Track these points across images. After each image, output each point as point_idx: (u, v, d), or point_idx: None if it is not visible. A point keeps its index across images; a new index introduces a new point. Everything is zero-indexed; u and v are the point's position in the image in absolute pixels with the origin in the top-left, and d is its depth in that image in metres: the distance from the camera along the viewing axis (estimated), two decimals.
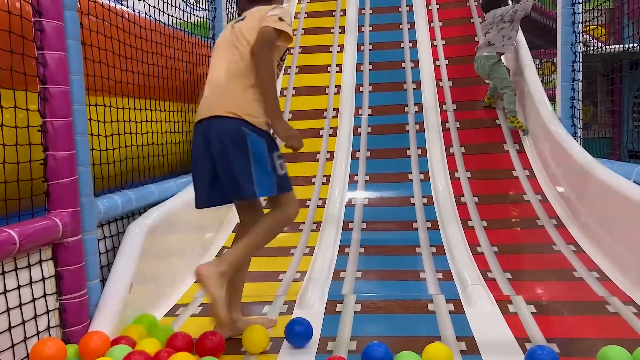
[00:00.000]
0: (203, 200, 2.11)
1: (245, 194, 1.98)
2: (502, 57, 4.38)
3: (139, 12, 3.04)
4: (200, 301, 2.58)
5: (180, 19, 3.56)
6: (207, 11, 3.73)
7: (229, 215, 3.59)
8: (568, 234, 3.05)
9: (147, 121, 2.93)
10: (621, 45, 6.74)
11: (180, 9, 3.46)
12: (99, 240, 2.27)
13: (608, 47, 6.74)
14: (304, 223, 3.48)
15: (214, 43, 3.78)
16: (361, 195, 3.78)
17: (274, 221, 2.07)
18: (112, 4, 2.74)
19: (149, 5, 3.04)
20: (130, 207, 2.52)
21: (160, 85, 3.20)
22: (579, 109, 3.59)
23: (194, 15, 3.57)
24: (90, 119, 2.28)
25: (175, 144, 3.31)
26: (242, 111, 1.96)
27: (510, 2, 4.43)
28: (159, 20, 3.23)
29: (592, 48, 6.56)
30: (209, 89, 2.09)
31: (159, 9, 3.23)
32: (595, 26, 7.79)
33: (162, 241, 2.64)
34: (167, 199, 2.85)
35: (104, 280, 2.25)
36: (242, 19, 2.14)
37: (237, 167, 1.94)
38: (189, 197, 2.99)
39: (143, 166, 2.87)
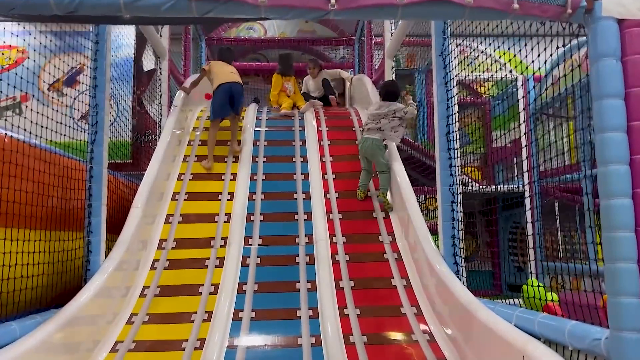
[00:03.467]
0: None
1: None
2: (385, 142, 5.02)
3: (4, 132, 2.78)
4: None
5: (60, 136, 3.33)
6: (87, 133, 3.52)
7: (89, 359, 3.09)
8: None
9: None
10: (494, 187, 7.43)
11: (54, 130, 3.24)
12: None
13: (483, 187, 7.39)
14: None
15: (91, 167, 3.56)
16: (245, 335, 3.46)
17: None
18: None
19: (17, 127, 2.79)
20: None
21: (23, 213, 2.86)
22: (460, 248, 3.71)
23: (69, 137, 3.35)
24: None
25: (28, 279, 2.87)
26: None
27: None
28: (26, 141, 2.97)
29: (469, 188, 7.13)
30: (231, 76, 5.49)
31: (27, 130, 2.99)
32: (472, 168, 8.57)
33: None
34: (4, 346, 2.38)
35: None
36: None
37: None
38: (35, 341, 2.57)
39: None
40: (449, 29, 3.65)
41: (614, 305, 1.82)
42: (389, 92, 5.05)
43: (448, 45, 3.63)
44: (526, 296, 4.20)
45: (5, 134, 2.74)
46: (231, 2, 1.84)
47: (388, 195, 4.81)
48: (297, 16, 1.91)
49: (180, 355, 3.22)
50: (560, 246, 7.08)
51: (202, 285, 3.93)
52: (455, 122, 3.86)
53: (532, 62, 3.31)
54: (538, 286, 4.21)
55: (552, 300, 4.01)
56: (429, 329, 3.46)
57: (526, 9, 2.10)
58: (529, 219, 6.07)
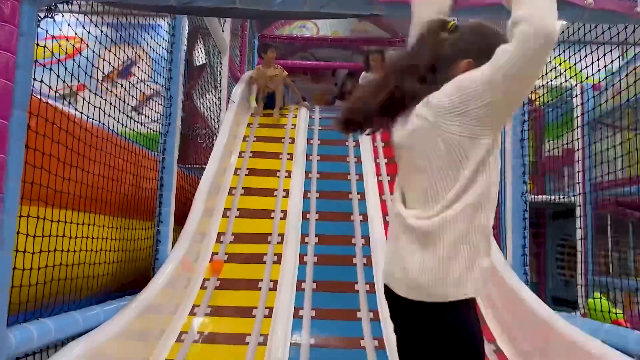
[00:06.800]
0: None
1: None
2: None
3: (87, 118, 2.84)
4: None
5: (131, 129, 3.39)
6: (160, 124, 3.57)
7: (158, 347, 3.13)
8: None
9: (80, 237, 2.57)
10: (544, 196, 7.25)
11: (132, 118, 3.29)
12: None
13: (533, 196, 7.22)
14: None
15: (163, 158, 3.60)
16: (307, 333, 3.45)
17: None
18: (63, 107, 2.53)
19: (103, 112, 2.84)
20: (49, 339, 2.09)
21: (101, 198, 2.90)
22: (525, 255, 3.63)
23: (145, 126, 3.40)
24: (18, 232, 1.93)
25: (108, 264, 2.92)
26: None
27: None
28: (109, 129, 3.03)
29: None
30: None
31: (111, 116, 3.05)
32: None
33: None
34: (92, 329, 2.42)
35: None
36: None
37: None
38: (117, 327, 2.61)
39: (69, 288, 2.47)
40: None
41: None
42: None
43: None
44: (592, 309, 4.09)
45: (93, 120, 2.79)
46: None
47: None
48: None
49: (245, 350, 3.23)
50: (612, 262, 6.87)
51: (261, 280, 3.93)
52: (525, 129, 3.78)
53: (591, 70, 3.18)
54: (604, 300, 4.10)
55: (617, 314, 3.90)
56: (495, 339, 3.38)
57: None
58: (578, 225, 5.88)
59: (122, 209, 3.24)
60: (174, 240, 3.83)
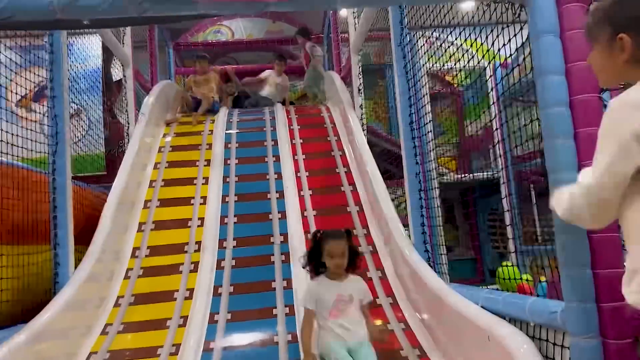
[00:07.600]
0: None
1: None
2: None
3: None
4: None
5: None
6: (47, 145, 3.48)
7: None
8: None
9: None
10: (470, 175, 7.49)
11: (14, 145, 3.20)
12: None
13: (459, 176, 7.44)
14: None
15: (54, 179, 3.51)
16: (222, 337, 3.44)
17: None
18: None
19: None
20: None
21: None
22: (440, 235, 3.74)
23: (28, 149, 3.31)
24: None
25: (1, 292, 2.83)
26: None
27: None
28: None
29: (446, 178, 7.19)
30: None
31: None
32: (449, 158, 8.62)
33: None
34: None
35: None
36: None
37: None
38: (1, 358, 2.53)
39: None
40: (406, 19, 3.67)
41: (566, 277, 1.85)
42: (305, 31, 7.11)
43: (406, 35, 3.64)
44: (500, 277, 4.25)
45: None
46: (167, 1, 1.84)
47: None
48: (235, 10, 1.90)
49: None
50: (538, 229, 7.16)
51: (177, 290, 3.89)
52: (427, 112, 3.88)
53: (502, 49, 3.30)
54: (512, 267, 4.28)
55: (527, 280, 4.08)
56: (404, 317, 3.47)
57: None
58: (504, 193, 6.10)
59: (12, 235, 3.14)
60: (79, 262, 3.74)
